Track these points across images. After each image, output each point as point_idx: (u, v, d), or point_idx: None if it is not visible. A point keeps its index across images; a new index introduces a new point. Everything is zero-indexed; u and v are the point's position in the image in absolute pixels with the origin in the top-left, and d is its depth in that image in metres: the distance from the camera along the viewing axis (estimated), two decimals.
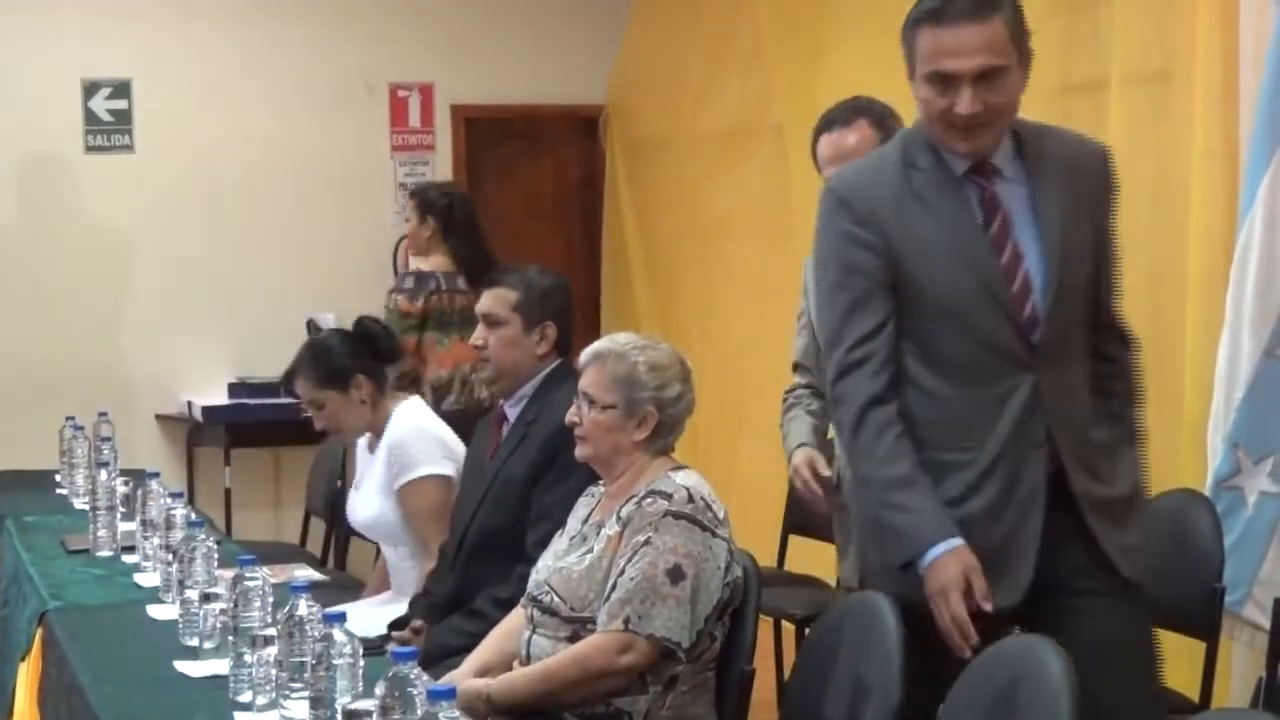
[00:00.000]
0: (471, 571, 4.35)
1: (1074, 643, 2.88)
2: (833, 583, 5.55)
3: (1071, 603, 3.26)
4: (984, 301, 3.21)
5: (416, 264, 7.23)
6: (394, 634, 4.41)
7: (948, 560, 3.15)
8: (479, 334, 4.50)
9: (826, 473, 4.15)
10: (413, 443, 4.80)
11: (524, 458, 4.31)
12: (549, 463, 4.22)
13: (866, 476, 3.31)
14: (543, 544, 3.98)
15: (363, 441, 5.07)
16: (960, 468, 3.24)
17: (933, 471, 3.23)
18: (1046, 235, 3.23)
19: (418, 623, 4.40)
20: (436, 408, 6.02)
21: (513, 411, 4.47)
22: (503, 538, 4.28)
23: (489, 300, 4.49)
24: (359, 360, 4.90)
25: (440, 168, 8.92)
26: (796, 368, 4.53)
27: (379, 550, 5.24)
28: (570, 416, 3.81)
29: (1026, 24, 3.36)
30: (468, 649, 3.95)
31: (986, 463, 3.22)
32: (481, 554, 4.33)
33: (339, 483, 6.38)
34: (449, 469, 4.80)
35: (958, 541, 3.16)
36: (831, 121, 3.99)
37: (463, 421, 5.25)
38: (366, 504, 4.95)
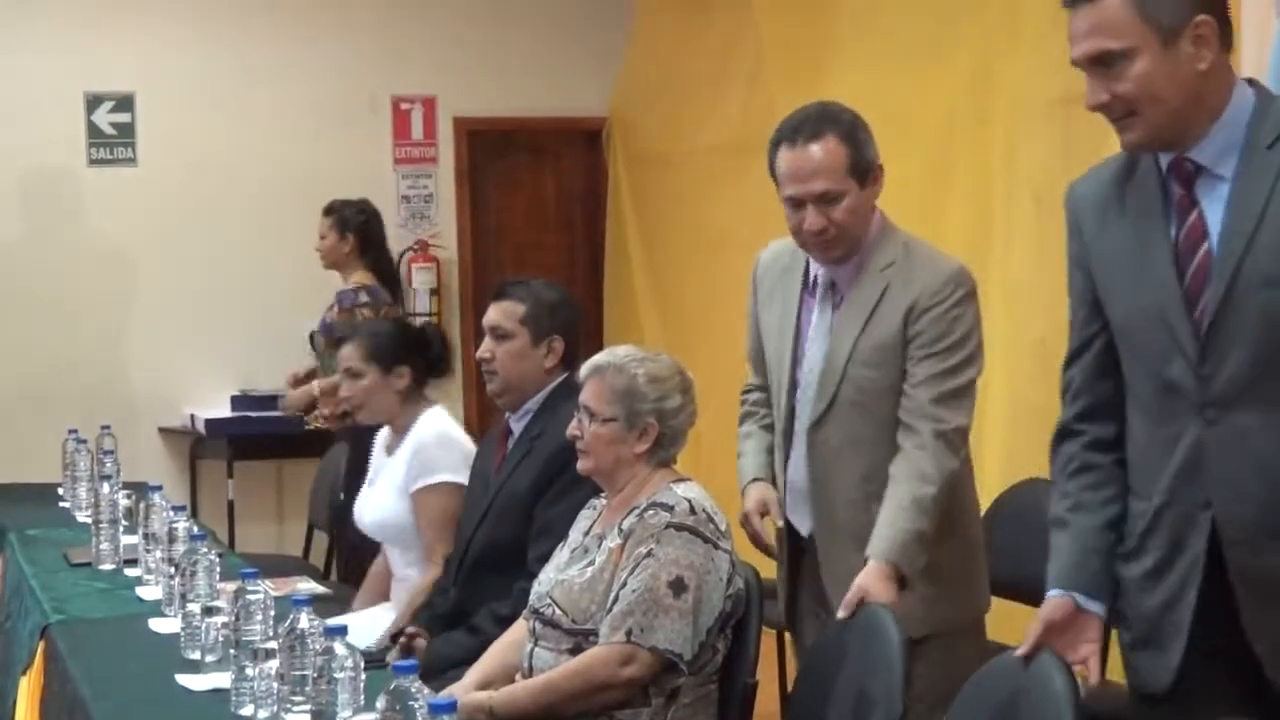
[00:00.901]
0: (473, 585, 4.35)
1: None
2: None
3: None
4: (1155, 324, 2.77)
5: (342, 279, 7.34)
6: (398, 640, 4.42)
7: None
8: (486, 346, 4.49)
9: (780, 521, 3.87)
10: (437, 448, 4.80)
11: (528, 473, 4.30)
12: (553, 478, 4.21)
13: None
14: (544, 559, 3.97)
15: (381, 441, 5.08)
16: (1135, 518, 2.85)
17: (1129, 520, 2.87)
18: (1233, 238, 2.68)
19: (413, 629, 4.38)
20: None
21: (518, 425, 4.46)
22: (505, 552, 4.28)
23: (496, 313, 4.48)
24: (411, 353, 4.92)
25: (443, 180, 8.95)
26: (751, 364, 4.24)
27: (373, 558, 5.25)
28: (572, 430, 3.81)
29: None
30: (467, 663, 3.95)
31: (1150, 517, 2.81)
32: (483, 568, 4.33)
33: (341, 495, 6.38)
34: (463, 477, 4.80)
35: (1080, 595, 2.83)
36: (794, 131, 3.65)
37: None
38: (379, 503, 4.94)
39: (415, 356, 4.94)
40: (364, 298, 7.13)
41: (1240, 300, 2.62)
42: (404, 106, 8.90)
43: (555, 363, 4.44)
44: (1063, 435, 2.97)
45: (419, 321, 8.49)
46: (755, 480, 3.95)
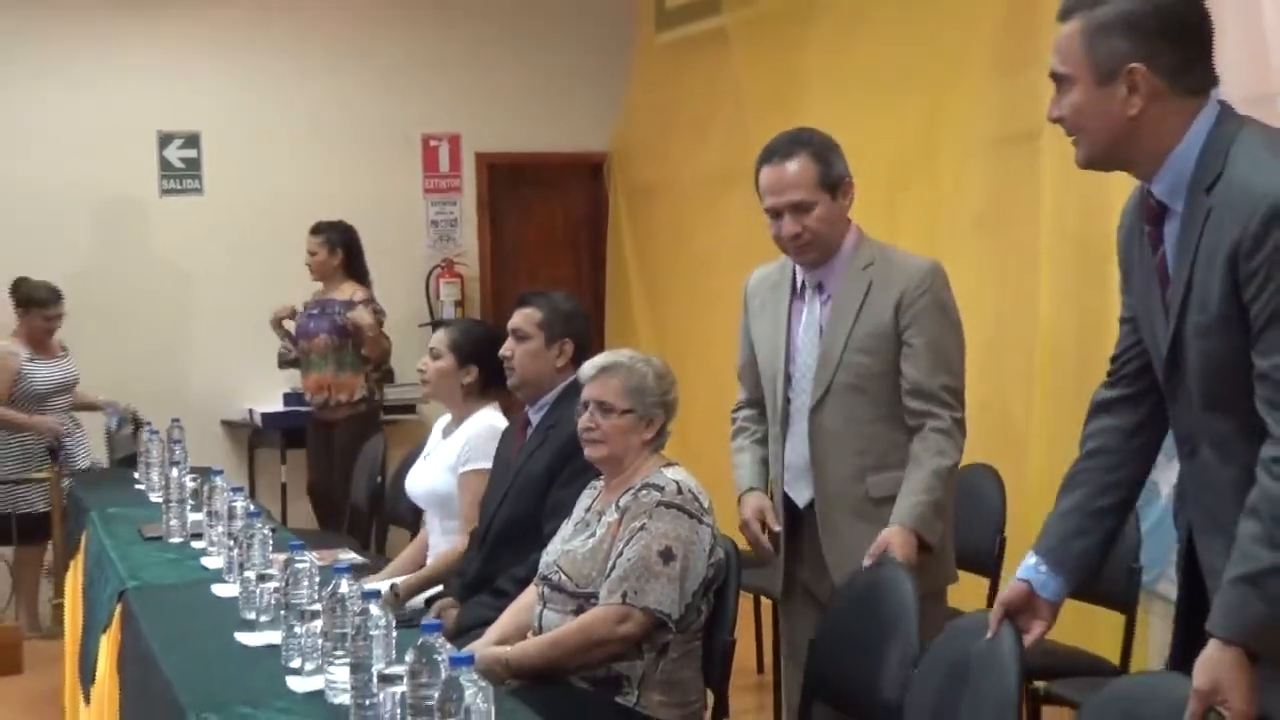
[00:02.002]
0: (495, 554, 4.34)
1: None
2: None
3: None
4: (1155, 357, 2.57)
5: (333, 292, 7.49)
6: (433, 605, 4.44)
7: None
8: (508, 346, 4.50)
9: (777, 527, 3.80)
10: (487, 440, 4.78)
11: (544, 458, 4.30)
12: (566, 462, 4.20)
13: None
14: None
15: (440, 424, 5.08)
16: None
17: None
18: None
19: (444, 602, 4.40)
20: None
21: (535, 417, 4.47)
22: (523, 526, 4.27)
23: (519, 318, 4.50)
24: (485, 356, 4.85)
25: (466, 207, 8.96)
26: (741, 380, 4.11)
27: (414, 535, 5.24)
28: (584, 423, 3.79)
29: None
30: (491, 622, 3.95)
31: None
32: (504, 539, 4.32)
33: (379, 479, 6.38)
34: (489, 464, 4.81)
35: (1045, 570, 2.67)
36: (772, 153, 3.72)
37: None
38: (430, 474, 4.93)
39: (487, 359, 4.83)
40: (376, 305, 7.45)
41: (1185, 346, 2.41)
42: (433, 143, 8.90)
43: (566, 362, 4.44)
44: (1095, 411, 2.72)
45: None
46: (751, 490, 3.90)
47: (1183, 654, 2.55)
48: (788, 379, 3.80)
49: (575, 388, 4.20)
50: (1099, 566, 2.71)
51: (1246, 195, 2.27)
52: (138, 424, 6.97)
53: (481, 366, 4.87)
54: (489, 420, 4.86)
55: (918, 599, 3.20)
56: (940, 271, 3.72)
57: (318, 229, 7.54)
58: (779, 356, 3.82)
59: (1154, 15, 2.37)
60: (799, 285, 3.82)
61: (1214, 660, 2.20)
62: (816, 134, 3.78)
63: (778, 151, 3.71)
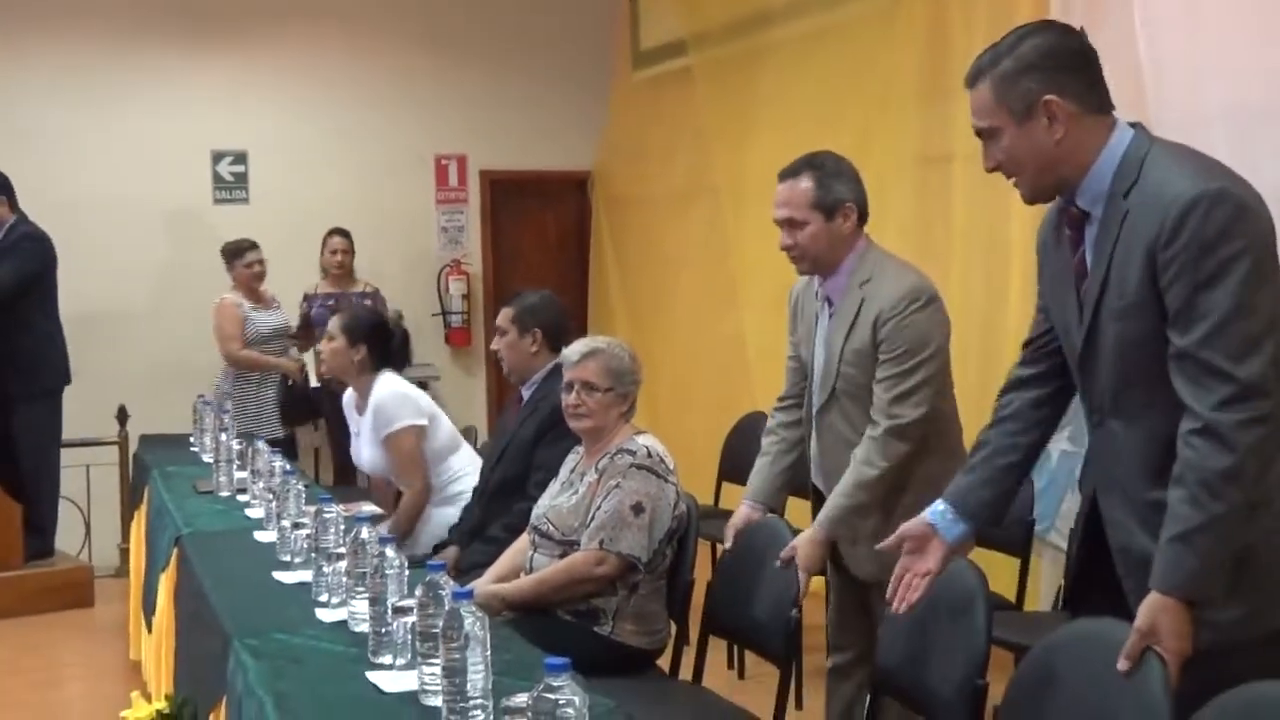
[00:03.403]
0: (491, 506, 4.34)
1: None
2: None
3: None
4: (1066, 342, 2.53)
5: (350, 285, 7.58)
6: (438, 550, 4.42)
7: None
8: (496, 341, 4.51)
9: (728, 545, 3.64)
10: (391, 404, 4.76)
11: (532, 425, 4.29)
12: (550, 428, 4.19)
13: None
14: (541, 485, 3.96)
15: (349, 402, 5.03)
16: None
17: None
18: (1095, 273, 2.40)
19: (451, 550, 4.39)
20: None
21: (526, 393, 4.45)
22: (514, 483, 4.27)
23: (499, 317, 4.50)
24: (372, 336, 4.86)
25: (472, 216, 8.92)
26: (784, 400, 3.77)
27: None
28: (572, 400, 3.74)
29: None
30: (486, 564, 3.94)
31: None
32: (498, 494, 4.32)
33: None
34: (422, 420, 4.78)
35: (952, 512, 2.62)
36: (786, 171, 3.47)
37: None
38: (365, 450, 4.92)
39: (375, 340, 4.85)
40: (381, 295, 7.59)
41: (1101, 330, 2.36)
42: (443, 161, 8.86)
43: (540, 348, 4.41)
44: (1010, 385, 2.66)
45: (451, 319, 8.54)
46: (747, 501, 3.69)
47: (1078, 589, 2.58)
48: (810, 381, 3.57)
49: (559, 369, 4.20)
50: (998, 517, 2.67)
51: (1160, 197, 2.24)
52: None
53: (370, 345, 4.84)
54: (389, 386, 4.82)
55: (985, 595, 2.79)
56: (919, 293, 3.37)
57: (343, 232, 7.52)
58: (810, 358, 3.57)
59: (1050, 54, 2.34)
60: (818, 296, 3.56)
61: (1154, 606, 2.18)
62: (830, 158, 3.48)
63: (790, 170, 3.47)
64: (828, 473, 3.51)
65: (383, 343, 4.87)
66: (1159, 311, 2.26)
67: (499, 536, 4.12)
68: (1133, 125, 2.38)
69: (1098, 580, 2.43)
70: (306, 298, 7.53)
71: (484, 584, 3.68)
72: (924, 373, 3.34)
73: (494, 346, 4.51)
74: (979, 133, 2.43)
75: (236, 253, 7.23)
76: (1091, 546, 2.46)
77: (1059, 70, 2.34)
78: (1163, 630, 2.18)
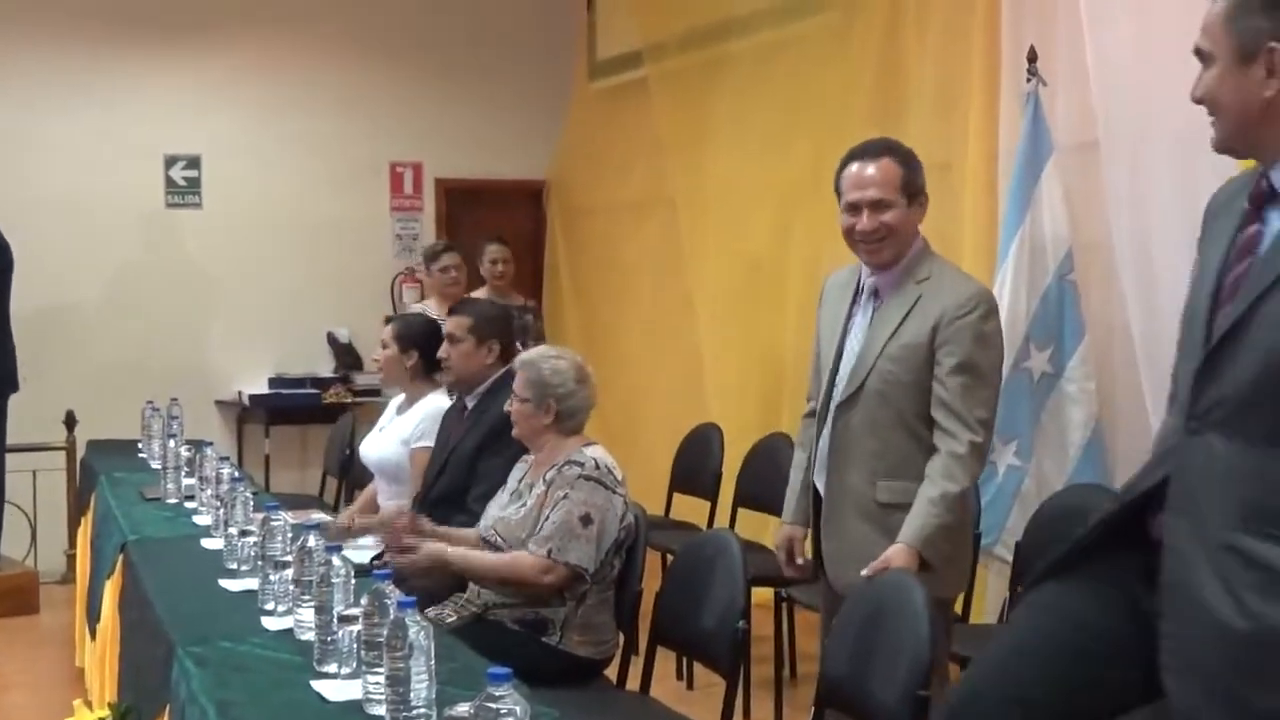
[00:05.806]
0: (432, 516, 4.32)
1: None
2: (703, 525, 5.57)
3: None
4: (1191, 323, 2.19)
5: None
6: (377, 561, 4.40)
7: None
8: (444, 349, 4.49)
9: (800, 560, 3.55)
10: (434, 421, 4.74)
11: (474, 437, 4.29)
12: (491, 441, 4.20)
13: None
14: (482, 499, 3.97)
15: (396, 401, 5.02)
16: None
17: None
18: None
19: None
20: None
21: (470, 403, 4.45)
22: (455, 493, 4.27)
23: (451, 324, 4.48)
24: (422, 343, 4.82)
25: (426, 224, 8.88)
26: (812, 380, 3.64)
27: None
28: (508, 407, 3.83)
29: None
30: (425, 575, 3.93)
31: None
32: (440, 504, 4.30)
33: (348, 451, 6.33)
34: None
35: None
36: (862, 153, 3.33)
37: None
38: (384, 444, 4.89)
39: (425, 347, 4.79)
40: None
41: (1255, 322, 2.01)
42: (399, 169, 8.83)
43: (495, 359, 4.41)
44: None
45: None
46: (788, 524, 3.59)
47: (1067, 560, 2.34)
48: (834, 374, 3.41)
49: (505, 379, 4.21)
50: None
51: None
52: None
53: (421, 354, 4.84)
54: (438, 403, 4.84)
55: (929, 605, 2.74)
56: (986, 300, 3.28)
57: (502, 240, 7.03)
58: (832, 353, 3.44)
59: None
60: (860, 289, 3.44)
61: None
62: (903, 145, 3.37)
63: (868, 152, 3.33)
64: (831, 472, 3.40)
65: (430, 349, 4.84)
66: None
67: None
68: None
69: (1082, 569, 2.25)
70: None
71: (441, 547, 3.72)
72: (997, 390, 3.29)
73: (441, 354, 4.50)
74: (1197, 51, 2.15)
75: (432, 256, 6.84)
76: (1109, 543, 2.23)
77: None
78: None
